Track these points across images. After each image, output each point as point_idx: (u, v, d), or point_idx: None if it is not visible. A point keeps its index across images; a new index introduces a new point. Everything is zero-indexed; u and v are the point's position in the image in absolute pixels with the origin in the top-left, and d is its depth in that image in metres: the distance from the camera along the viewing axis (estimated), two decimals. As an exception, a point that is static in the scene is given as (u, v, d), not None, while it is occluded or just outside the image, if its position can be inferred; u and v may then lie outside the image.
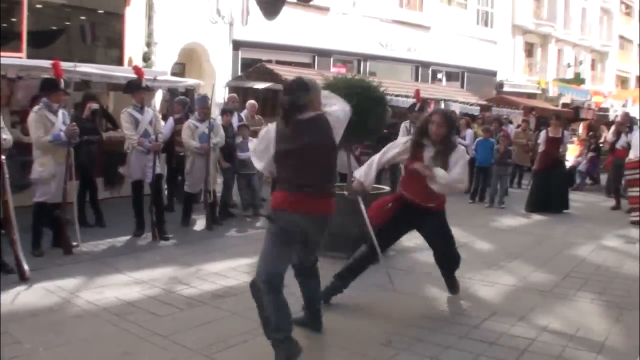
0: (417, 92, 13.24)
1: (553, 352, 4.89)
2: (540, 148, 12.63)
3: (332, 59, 22.59)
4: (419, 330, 5.27)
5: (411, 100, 15.39)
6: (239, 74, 18.82)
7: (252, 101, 12.52)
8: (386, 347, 4.84)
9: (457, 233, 9.41)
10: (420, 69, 26.55)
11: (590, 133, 19.97)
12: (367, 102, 7.90)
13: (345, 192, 6.54)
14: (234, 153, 10.20)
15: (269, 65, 17.48)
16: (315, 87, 4.73)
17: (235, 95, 12.81)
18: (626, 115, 13.81)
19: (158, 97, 13.76)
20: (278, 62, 19.54)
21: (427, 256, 7.86)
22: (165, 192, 10.47)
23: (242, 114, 12.04)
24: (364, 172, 5.97)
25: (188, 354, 4.51)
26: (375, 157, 6.05)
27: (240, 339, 4.81)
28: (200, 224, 9.55)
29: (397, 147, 6.05)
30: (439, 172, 5.66)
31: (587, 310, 6.06)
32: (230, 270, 6.96)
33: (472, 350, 4.84)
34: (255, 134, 10.83)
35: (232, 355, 4.53)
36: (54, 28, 16.02)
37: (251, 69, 17.86)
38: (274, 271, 4.48)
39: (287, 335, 4.33)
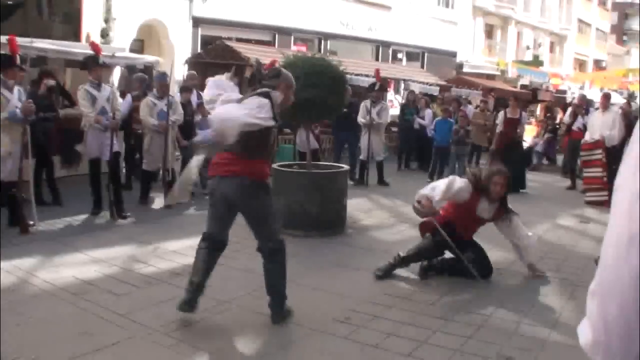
0: (378, 71, 13.29)
1: (508, 328, 5.01)
2: (499, 128, 12.80)
3: (292, 37, 22.50)
4: (377, 307, 5.34)
5: (371, 80, 15.44)
6: (199, 51, 18.62)
7: (192, 72, 12.41)
8: (344, 324, 4.89)
9: (416, 212, 9.58)
10: (380, 48, 26.58)
11: (548, 114, 20.23)
12: (327, 81, 7.93)
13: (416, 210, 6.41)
14: (193, 131, 10.13)
15: (229, 43, 17.32)
16: (286, 79, 4.99)
17: (194, 72, 12.68)
18: (583, 98, 14.08)
19: (116, 74, 13.54)
20: (238, 40, 19.39)
21: (385, 234, 8.01)
22: (123, 171, 10.37)
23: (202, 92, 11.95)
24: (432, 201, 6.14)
25: (147, 332, 4.51)
26: (439, 188, 6.21)
27: (199, 317, 4.81)
28: (158, 202, 9.50)
29: (461, 185, 6.26)
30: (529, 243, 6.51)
31: (542, 287, 6.20)
32: (189, 248, 6.88)
33: (429, 326, 4.93)
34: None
35: (192, 332, 4.54)
36: (10, 2, 15.64)
37: (211, 46, 17.68)
38: (207, 231, 5.05)
39: (195, 283, 4.77)
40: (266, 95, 4.68)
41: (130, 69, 12.41)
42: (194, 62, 16.33)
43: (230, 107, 4.63)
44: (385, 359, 4.27)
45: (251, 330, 4.68)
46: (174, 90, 11.54)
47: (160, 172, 9.54)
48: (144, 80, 10.82)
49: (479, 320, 5.13)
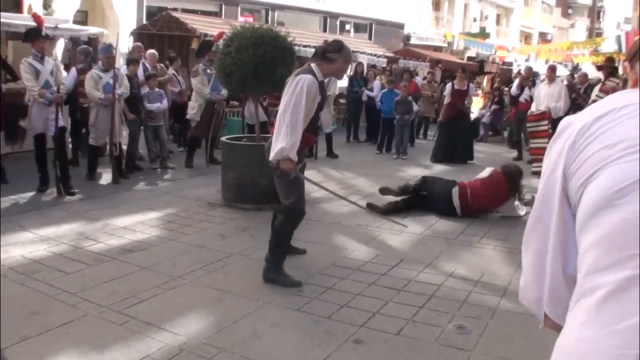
0: (325, 43, 13.23)
1: (459, 296, 5.09)
2: (446, 100, 12.90)
3: (239, 8, 22.25)
4: (329, 278, 5.38)
5: (319, 51, 15.38)
6: (144, 22, 18.25)
7: (152, 51, 12.17)
8: (297, 296, 4.92)
9: (365, 183, 9.71)
10: (328, 19, 26.50)
11: (494, 86, 20.48)
12: (275, 52, 7.88)
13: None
14: (140, 104, 9.96)
15: (174, 14, 17.01)
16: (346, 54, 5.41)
17: (140, 44, 12.43)
18: (530, 70, 14.29)
19: (59, 47, 13.19)
20: (184, 11, 19.06)
21: (336, 207, 8.05)
22: (70, 146, 10.13)
23: (147, 64, 11.75)
24: None
25: (99, 310, 4.45)
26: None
27: (151, 293, 4.78)
28: (106, 177, 9.33)
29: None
30: None
31: (491, 256, 6.33)
32: (139, 224, 6.87)
33: (381, 297, 4.99)
34: (159, 85, 10.63)
35: (144, 309, 4.49)
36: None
37: (157, 17, 17.34)
38: None
39: None
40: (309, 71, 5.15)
41: (74, 41, 12.09)
42: (140, 34, 16.00)
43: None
44: (339, 330, 4.31)
45: (204, 305, 4.66)
46: (120, 63, 11.34)
47: (108, 146, 9.35)
48: (88, 52, 10.55)
49: (430, 289, 5.21)
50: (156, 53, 12.06)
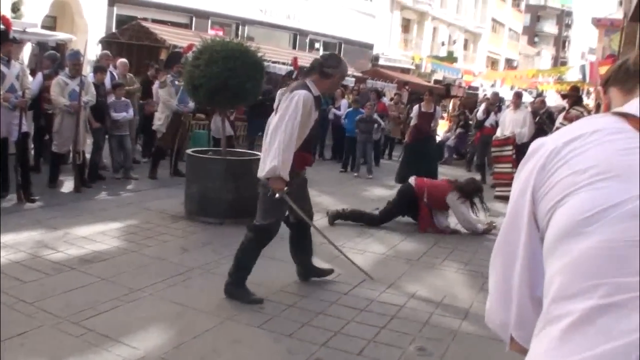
0: (295, 60, 13.31)
1: (421, 318, 5.10)
2: (413, 122, 12.99)
3: (210, 21, 22.21)
4: (291, 296, 5.36)
5: (288, 68, 15.44)
6: (114, 30, 18.11)
7: (123, 60, 12.07)
8: (258, 313, 4.87)
9: (329, 201, 9.70)
10: (298, 37, 26.60)
11: (459, 110, 20.72)
12: (245, 67, 7.87)
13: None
14: (106, 113, 9.84)
15: (144, 24, 16.93)
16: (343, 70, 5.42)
17: (108, 52, 12.32)
18: (496, 96, 14.50)
19: (27, 51, 13.02)
20: (154, 21, 18.96)
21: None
22: (32, 152, 9.96)
23: (115, 72, 11.64)
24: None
25: (56, 321, 4.34)
26: None
27: (110, 305, 4.69)
28: (68, 185, 9.17)
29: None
30: None
31: (453, 278, 6.36)
32: (99, 234, 6.75)
33: (343, 316, 4.97)
34: (127, 94, 10.54)
35: (102, 322, 4.40)
36: None
37: (126, 26, 17.23)
38: None
39: None
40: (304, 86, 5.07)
41: (41, 46, 11.95)
42: (109, 42, 15.90)
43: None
44: (299, 348, 4.28)
45: (164, 319, 4.58)
46: (87, 70, 11.22)
47: (71, 154, 9.21)
48: (55, 58, 10.42)
49: (392, 310, 5.21)
50: (127, 62, 11.96)
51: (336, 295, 5.47)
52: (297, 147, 5.01)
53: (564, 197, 1.21)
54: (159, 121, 10.33)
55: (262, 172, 5.00)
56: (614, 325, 1.09)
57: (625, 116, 1.26)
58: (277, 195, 4.98)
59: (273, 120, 5.04)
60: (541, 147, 1.32)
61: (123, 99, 10.17)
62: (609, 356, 1.09)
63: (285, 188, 5.00)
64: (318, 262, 6.45)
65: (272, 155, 4.85)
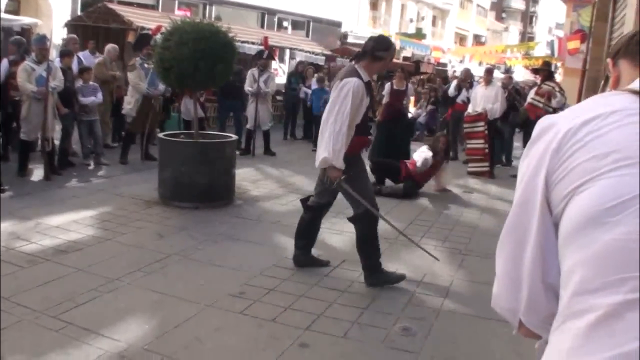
0: (266, 39, 13.13)
1: (402, 298, 5.09)
2: (385, 100, 12.92)
3: (176, 2, 21.89)
4: (272, 279, 5.30)
5: (257, 47, 15.25)
6: (79, 13, 17.72)
7: (113, 45, 11.73)
8: (239, 298, 4.81)
9: (303, 181, 9.64)
10: (266, 16, 26.33)
11: (428, 86, 20.65)
12: (216, 48, 7.75)
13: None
14: (74, 98, 9.63)
15: (110, 5, 16.58)
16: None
17: (75, 36, 12.05)
18: (468, 72, 14.44)
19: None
20: (120, 3, 18.59)
21: (275, 205, 7.99)
22: (0, 140, 9.74)
23: (81, 55, 11.40)
24: None
25: (34, 316, 4.21)
26: None
27: (88, 297, 4.58)
28: (38, 174, 8.95)
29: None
30: None
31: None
32: (73, 223, 6.61)
33: (325, 298, 4.94)
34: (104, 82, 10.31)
35: (81, 314, 4.29)
36: None
37: (92, 8, 16.86)
38: None
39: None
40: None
41: (5, 31, 11.65)
42: (75, 25, 15.53)
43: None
44: (283, 333, 4.23)
45: (144, 309, 4.49)
46: (54, 55, 10.97)
47: (40, 141, 9.01)
48: (21, 43, 10.19)
49: (373, 291, 5.19)
50: (117, 48, 11.67)
51: (316, 278, 5.43)
52: (352, 133, 5.08)
53: (584, 183, 1.16)
54: (129, 105, 10.13)
55: (316, 162, 5.07)
56: None
57: None
58: (334, 184, 5.08)
59: (326, 108, 5.06)
60: (552, 127, 1.27)
61: (91, 82, 9.96)
62: (637, 354, 1.05)
63: (343, 176, 5.05)
64: (285, 239, 6.41)
65: (324, 146, 4.91)
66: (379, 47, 5.17)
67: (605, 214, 1.11)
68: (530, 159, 1.30)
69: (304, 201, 5.86)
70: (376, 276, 5.35)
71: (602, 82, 1.48)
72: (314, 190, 5.71)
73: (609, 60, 1.50)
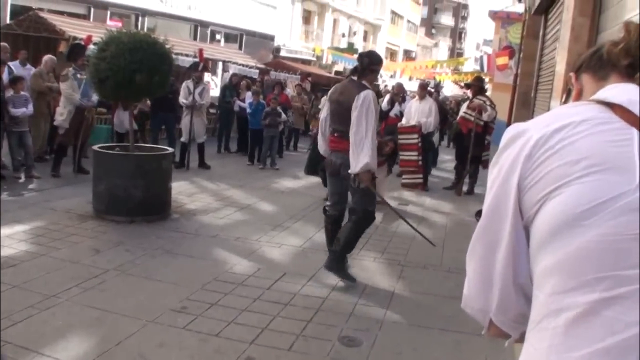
0: (201, 51, 13.07)
1: (345, 309, 5.12)
2: (321, 113, 12.99)
3: (109, 12, 21.42)
4: (213, 294, 5.24)
5: (191, 60, 15.14)
6: (9, 21, 17.17)
7: (50, 56, 11.39)
8: (181, 314, 4.74)
9: (240, 194, 9.61)
10: (199, 28, 26.10)
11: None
12: (153, 59, 7.64)
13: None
14: (4, 108, 9.31)
15: (42, 14, 16.14)
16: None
17: (6, 44, 11.67)
18: (401, 86, 14.65)
19: None
20: (51, 11, 18.09)
21: (211, 219, 7.94)
22: None
23: (12, 65, 11.06)
24: None
25: (-34, 335, 4.06)
26: None
27: (25, 314, 4.42)
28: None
29: None
30: None
31: (372, 268, 6.42)
32: (5, 238, 6.33)
33: (268, 311, 4.92)
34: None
35: (19, 332, 4.13)
36: None
37: (22, 17, 16.37)
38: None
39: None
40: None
41: None
42: (5, 34, 15.01)
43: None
44: (228, 348, 4.19)
45: (84, 326, 4.37)
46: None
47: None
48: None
49: (316, 303, 5.20)
50: (54, 58, 11.33)
51: (258, 291, 5.40)
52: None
53: (556, 189, 1.20)
54: (61, 116, 9.85)
55: (355, 168, 5.49)
56: (620, 317, 1.11)
57: (610, 105, 1.26)
58: (362, 185, 5.60)
59: (352, 116, 5.50)
60: (522, 134, 1.31)
61: (22, 93, 9.66)
62: (616, 348, 1.10)
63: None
64: (237, 257, 6.37)
65: (364, 152, 5.43)
66: (374, 62, 5.82)
67: (578, 218, 1.16)
68: (501, 164, 1.34)
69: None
70: (337, 264, 5.79)
71: (565, 95, 1.53)
72: (331, 200, 6.16)
73: (571, 74, 1.56)
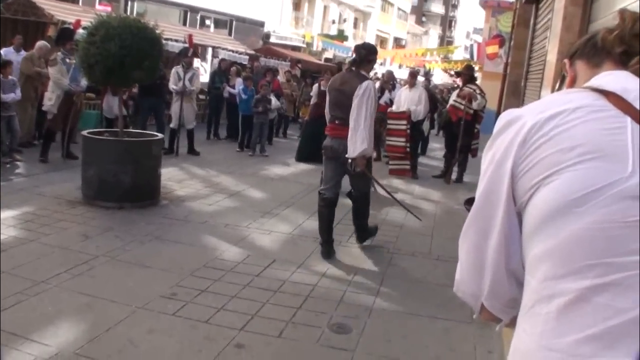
0: (191, 37, 13.01)
1: (334, 296, 5.14)
2: (313, 100, 13.02)
3: (98, -4, 21.30)
4: (203, 280, 5.24)
5: (180, 45, 15.06)
6: (-3, 5, 17.00)
7: (43, 42, 11.23)
8: (171, 300, 4.74)
9: (229, 181, 9.61)
10: (189, 13, 25.97)
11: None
12: (143, 44, 7.59)
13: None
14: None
15: (30, -2, 15.99)
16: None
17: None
18: (391, 74, 14.65)
19: None
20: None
21: (201, 205, 7.93)
22: None
23: (4, 51, 10.95)
24: None
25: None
26: None
27: (14, 300, 4.40)
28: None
29: None
30: None
31: (361, 255, 6.44)
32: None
33: (258, 298, 4.92)
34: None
35: (8, 318, 4.09)
36: None
37: (10, 0, 16.22)
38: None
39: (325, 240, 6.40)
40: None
41: None
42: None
43: None
44: (218, 334, 4.19)
45: (73, 312, 4.36)
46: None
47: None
48: None
49: (306, 290, 5.21)
50: (47, 45, 11.18)
51: (248, 278, 5.40)
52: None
53: (550, 175, 1.21)
54: (50, 101, 9.77)
55: (353, 152, 5.90)
56: (611, 303, 1.13)
57: (604, 93, 1.27)
58: (357, 169, 6.07)
59: (353, 104, 5.91)
60: (517, 120, 1.32)
61: (10, 77, 9.57)
62: (607, 334, 1.12)
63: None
64: (226, 244, 6.37)
65: (362, 138, 5.85)
66: (371, 53, 6.30)
67: (571, 205, 1.17)
68: (495, 150, 1.34)
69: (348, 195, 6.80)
70: (366, 232, 6.75)
71: (559, 82, 1.52)
72: (327, 184, 6.42)
73: (566, 60, 1.57)
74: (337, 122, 6.19)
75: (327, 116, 6.40)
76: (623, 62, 1.40)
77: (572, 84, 1.52)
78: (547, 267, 1.22)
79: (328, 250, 6.30)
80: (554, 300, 1.19)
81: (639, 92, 1.26)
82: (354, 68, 6.27)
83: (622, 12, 1.43)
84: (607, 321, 1.12)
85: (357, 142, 5.85)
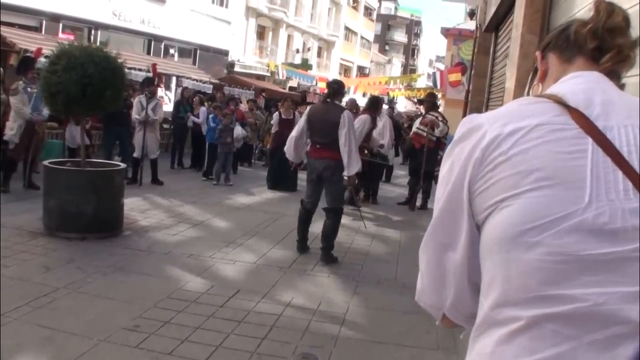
0: (154, 66, 12.94)
1: (300, 326, 5.11)
2: (274, 129, 13.06)
3: (61, 25, 21.14)
4: (166, 312, 5.17)
5: (144, 74, 15.02)
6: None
7: None
8: (134, 332, 4.66)
9: (193, 211, 9.54)
10: (153, 42, 25.94)
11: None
12: (105, 73, 7.55)
13: None
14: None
15: (-9, 25, 15.84)
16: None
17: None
18: (354, 102, 14.71)
19: None
20: (1, 23, 17.80)
21: (164, 235, 7.86)
22: None
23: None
24: None
25: None
26: None
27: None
28: None
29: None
30: None
31: (326, 284, 6.43)
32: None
33: (222, 329, 4.88)
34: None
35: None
36: None
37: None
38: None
39: (300, 239, 7.68)
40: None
41: None
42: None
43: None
44: (182, 367, 4.14)
45: (34, 345, 4.27)
46: None
47: None
48: None
49: (270, 320, 5.18)
50: (1, 70, 11.01)
51: (212, 309, 5.35)
52: None
53: (505, 199, 1.19)
54: (12, 131, 9.63)
55: (350, 172, 7.17)
56: (561, 330, 1.12)
57: (567, 108, 1.23)
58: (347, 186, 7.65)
59: (341, 133, 7.06)
60: (477, 130, 1.27)
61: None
62: (557, 358, 1.12)
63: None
64: (190, 275, 6.31)
65: (356, 160, 7.16)
66: (341, 87, 7.67)
67: (525, 234, 1.15)
68: (454, 159, 1.30)
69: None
70: (330, 255, 7.28)
71: (530, 75, 1.51)
72: (309, 198, 7.59)
73: (537, 52, 1.52)
74: (318, 146, 7.34)
75: (302, 140, 7.56)
76: (595, 58, 1.36)
77: (544, 78, 1.48)
78: (498, 294, 1.21)
79: (302, 246, 7.62)
80: (507, 325, 1.19)
81: (603, 107, 1.23)
82: (329, 100, 7.47)
83: (598, 4, 1.36)
84: (556, 347, 1.12)
85: (353, 163, 7.12)
